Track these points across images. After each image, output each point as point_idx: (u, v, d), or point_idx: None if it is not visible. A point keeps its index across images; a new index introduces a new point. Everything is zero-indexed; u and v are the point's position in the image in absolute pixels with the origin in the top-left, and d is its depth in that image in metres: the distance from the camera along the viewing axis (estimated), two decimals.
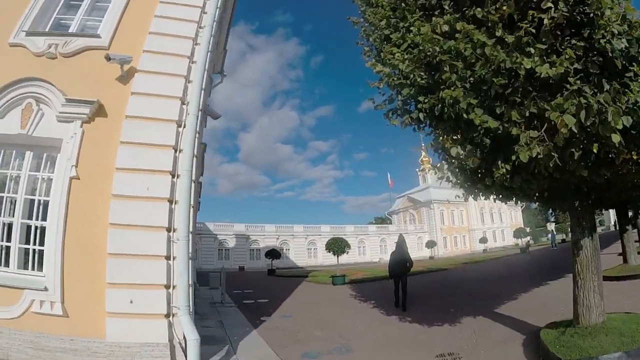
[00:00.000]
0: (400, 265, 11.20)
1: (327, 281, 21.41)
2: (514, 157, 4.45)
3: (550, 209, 10.16)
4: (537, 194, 7.09)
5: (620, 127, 3.81)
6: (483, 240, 60.06)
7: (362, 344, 7.86)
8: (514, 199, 7.52)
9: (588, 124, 3.90)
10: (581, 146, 4.30)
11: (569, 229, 6.48)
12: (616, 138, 3.85)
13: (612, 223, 71.05)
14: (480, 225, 76.17)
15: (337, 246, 21.43)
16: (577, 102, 3.86)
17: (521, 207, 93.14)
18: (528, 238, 43.33)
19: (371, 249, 60.51)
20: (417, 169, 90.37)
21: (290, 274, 31.31)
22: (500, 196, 7.25)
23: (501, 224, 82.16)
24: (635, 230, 16.94)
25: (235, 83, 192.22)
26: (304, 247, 55.01)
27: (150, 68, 6.60)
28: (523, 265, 23.53)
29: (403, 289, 11.13)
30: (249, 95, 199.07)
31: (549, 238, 68.34)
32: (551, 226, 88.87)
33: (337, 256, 21.71)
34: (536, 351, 6.27)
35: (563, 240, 44.69)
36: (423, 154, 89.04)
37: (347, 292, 17.13)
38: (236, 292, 17.99)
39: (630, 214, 14.05)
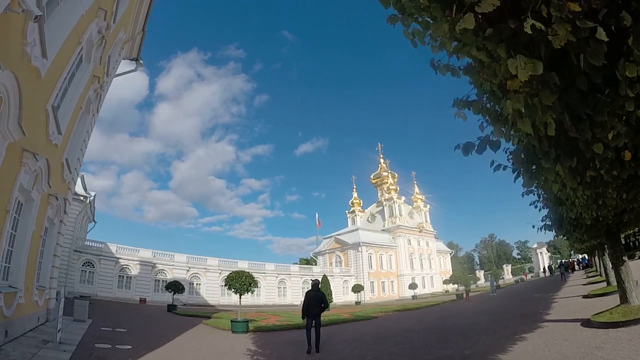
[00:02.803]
0: (315, 304, 11.01)
1: (227, 326, 17.10)
2: None
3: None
4: None
5: None
6: (412, 286, 57.78)
7: None
8: None
9: None
10: None
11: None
12: None
13: (542, 269, 72.83)
14: (409, 271, 74.47)
15: (239, 282, 16.46)
16: None
17: (450, 254, 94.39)
18: (463, 285, 41.22)
19: (292, 291, 55.40)
20: (346, 211, 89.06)
21: (192, 313, 27.31)
22: None
23: (430, 270, 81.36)
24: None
25: (177, 109, 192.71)
26: (218, 284, 48.30)
27: None
28: (470, 313, 20.20)
29: (317, 330, 10.86)
30: (189, 123, 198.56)
31: (477, 285, 68.45)
32: (481, 273, 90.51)
33: (240, 295, 16.76)
34: None
35: (498, 287, 43.13)
36: (354, 195, 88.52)
37: (246, 344, 12.90)
38: (105, 329, 14.89)
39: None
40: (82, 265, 38.27)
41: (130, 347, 11.40)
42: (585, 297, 17.02)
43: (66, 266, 34.22)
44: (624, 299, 10.78)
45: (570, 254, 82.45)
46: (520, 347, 8.90)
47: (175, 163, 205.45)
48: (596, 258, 33.94)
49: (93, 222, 46.26)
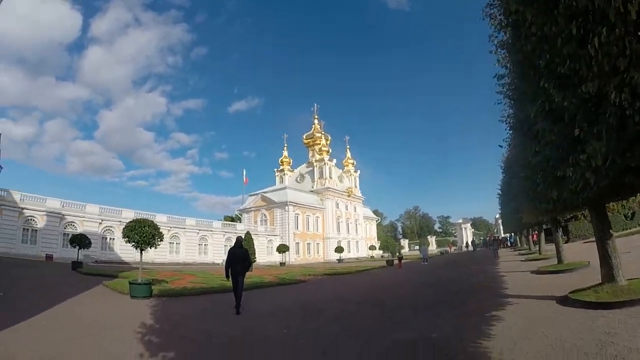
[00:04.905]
0: (238, 262, 10.76)
1: (127, 289, 13.99)
2: None
3: None
4: None
5: None
6: (339, 249, 57.37)
7: None
8: None
9: None
10: None
11: None
12: None
13: (465, 244, 75.66)
14: (335, 234, 74.46)
15: (138, 233, 13.45)
16: None
17: (377, 221, 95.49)
18: (391, 252, 40.64)
19: (214, 248, 52.36)
20: (275, 169, 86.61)
21: (97, 272, 23.91)
22: None
23: (356, 235, 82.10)
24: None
25: (110, 54, 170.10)
26: None
27: None
28: (410, 283, 18.79)
29: (239, 291, 10.60)
30: (121, 70, 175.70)
31: (401, 253, 69.61)
32: (405, 242, 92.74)
33: (141, 250, 13.79)
34: None
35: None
36: (285, 153, 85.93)
37: (143, 315, 10.24)
38: None
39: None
40: None
41: None
42: (535, 272, 16.02)
43: None
44: (610, 277, 9.26)
45: (494, 231, 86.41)
46: (502, 330, 6.97)
47: (103, 112, 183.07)
48: (529, 237, 34.37)
49: None
